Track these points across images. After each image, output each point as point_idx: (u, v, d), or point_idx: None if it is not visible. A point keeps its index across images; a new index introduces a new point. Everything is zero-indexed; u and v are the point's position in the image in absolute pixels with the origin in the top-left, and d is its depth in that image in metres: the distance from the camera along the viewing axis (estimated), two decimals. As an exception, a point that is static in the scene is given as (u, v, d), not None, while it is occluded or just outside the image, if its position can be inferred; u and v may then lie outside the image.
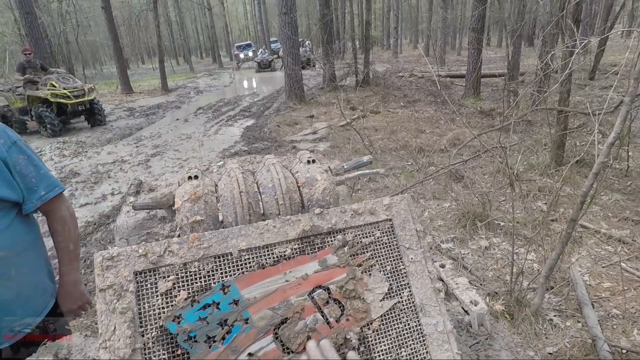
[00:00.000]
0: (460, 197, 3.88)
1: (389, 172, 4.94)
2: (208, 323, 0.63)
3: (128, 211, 1.75)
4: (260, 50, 23.18)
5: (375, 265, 0.74)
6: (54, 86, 8.25)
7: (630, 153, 4.37)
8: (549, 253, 2.70)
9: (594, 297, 2.62)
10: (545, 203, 3.83)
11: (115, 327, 0.61)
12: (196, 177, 0.90)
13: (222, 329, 0.63)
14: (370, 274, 0.73)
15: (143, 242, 1.72)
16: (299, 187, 0.90)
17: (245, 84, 17.58)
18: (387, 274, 0.75)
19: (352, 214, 0.77)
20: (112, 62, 39.89)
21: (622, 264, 2.82)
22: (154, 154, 6.58)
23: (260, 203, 0.87)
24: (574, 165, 4.50)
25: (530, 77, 8.89)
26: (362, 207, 0.78)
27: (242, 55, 25.54)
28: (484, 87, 10.21)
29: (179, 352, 0.62)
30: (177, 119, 9.65)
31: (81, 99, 8.53)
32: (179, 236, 0.83)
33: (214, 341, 0.61)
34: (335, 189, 0.91)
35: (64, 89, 8.30)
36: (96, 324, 1.86)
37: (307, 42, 17.52)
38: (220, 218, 0.85)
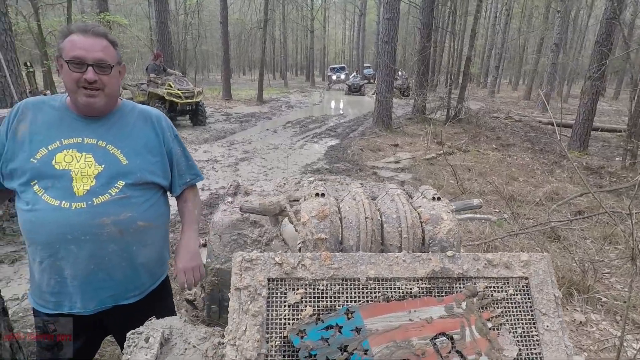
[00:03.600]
0: (555, 259, 3.48)
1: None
2: (329, 345, 0.63)
3: (225, 209, 1.87)
4: (352, 74, 23.83)
5: (505, 325, 0.68)
6: (170, 86, 9.38)
7: None
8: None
9: None
10: (665, 286, 3.26)
11: (246, 328, 0.64)
12: (323, 194, 0.92)
13: (342, 354, 0.63)
14: (499, 333, 0.67)
15: (233, 240, 1.81)
16: (421, 222, 0.87)
17: (334, 104, 18.13)
18: (517, 337, 0.68)
19: (485, 264, 0.73)
20: (218, 70, 44.19)
21: None
22: (243, 158, 7.04)
23: (381, 232, 0.86)
24: None
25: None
26: (497, 258, 0.73)
27: (334, 77, 26.49)
28: (593, 142, 9.21)
29: (298, 366, 0.63)
30: (267, 129, 10.26)
31: (190, 100, 9.55)
32: (299, 250, 0.86)
33: (332, 364, 0.61)
34: (460, 232, 0.87)
35: (178, 89, 9.39)
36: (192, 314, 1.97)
37: (401, 72, 17.59)
38: (340, 239, 0.86)
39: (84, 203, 1.14)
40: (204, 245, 2.42)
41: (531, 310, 0.70)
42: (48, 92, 10.42)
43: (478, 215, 1.32)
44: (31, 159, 1.14)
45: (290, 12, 27.89)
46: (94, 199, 1.15)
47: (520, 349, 0.67)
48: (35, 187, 1.13)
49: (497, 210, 4.91)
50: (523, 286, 0.72)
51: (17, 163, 1.15)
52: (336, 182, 2.28)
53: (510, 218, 4.46)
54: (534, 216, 4.62)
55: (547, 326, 0.68)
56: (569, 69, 22.34)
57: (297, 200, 1.69)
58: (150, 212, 1.28)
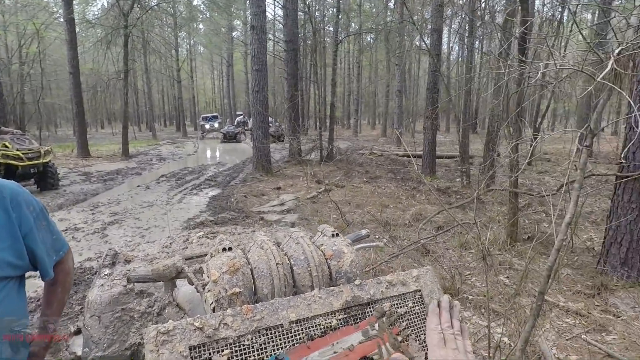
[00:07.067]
0: (429, 271, 3.99)
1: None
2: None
3: (102, 284, 1.65)
4: (227, 122, 23.93)
5: (411, 335, 0.79)
6: (6, 147, 7.87)
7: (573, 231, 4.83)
8: (517, 326, 2.81)
9: (564, 371, 2.69)
10: (507, 277, 4.04)
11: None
12: (230, 248, 0.93)
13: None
14: (408, 344, 0.77)
15: (116, 319, 1.61)
16: (326, 259, 0.95)
17: (210, 153, 17.73)
18: (422, 343, 0.79)
19: (387, 285, 0.84)
20: (67, 124, 38.90)
21: (583, 336, 2.98)
22: (111, 222, 6.24)
23: (292, 275, 0.91)
24: (527, 242, 4.87)
25: (479, 161, 9.86)
26: (395, 278, 0.85)
27: (207, 126, 26.13)
28: (438, 167, 11.07)
29: None
30: (138, 186, 9.37)
31: (35, 162, 8.14)
32: (213, 310, 0.83)
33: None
34: (360, 261, 0.97)
35: (18, 150, 7.94)
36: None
37: (271, 119, 18.47)
38: (253, 290, 0.87)
39: None
40: (77, 332, 2.05)
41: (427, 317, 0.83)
42: None
43: (368, 244, 1.48)
44: None
45: (153, 62, 26.87)
46: None
47: (426, 352, 0.77)
48: None
49: (377, 237, 5.42)
50: (418, 298, 0.85)
51: None
52: (227, 232, 2.24)
53: (389, 241, 4.98)
54: (407, 237, 5.25)
55: (441, 328, 0.82)
56: (411, 110, 26.84)
57: (193, 258, 1.60)
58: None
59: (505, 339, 2.93)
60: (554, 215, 2.20)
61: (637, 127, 3.07)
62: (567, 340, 2.97)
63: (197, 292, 1.13)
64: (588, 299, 3.51)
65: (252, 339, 0.69)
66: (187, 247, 1.97)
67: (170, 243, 2.05)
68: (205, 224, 6.08)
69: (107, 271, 1.68)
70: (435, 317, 0.77)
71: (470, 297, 3.62)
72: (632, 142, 3.39)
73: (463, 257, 4.58)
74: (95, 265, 4.44)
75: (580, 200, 2.36)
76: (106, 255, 1.80)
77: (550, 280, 2.30)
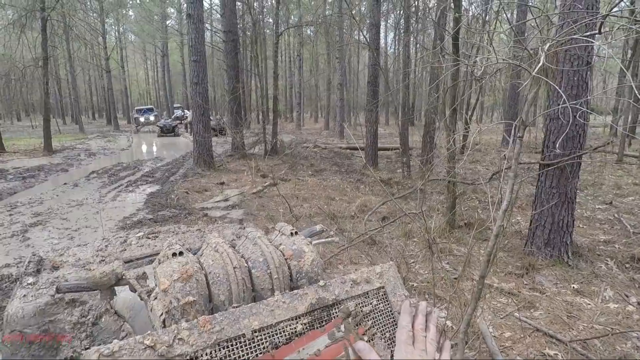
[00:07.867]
0: (376, 261, 4.11)
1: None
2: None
3: (25, 295, 1.47)
4: (164, 115, 22.61)
5: (376, 334, 0.77)
6: None
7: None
8: (458, 310, 2.98)
9: (499, 347, 2.92)
10: (447, 263, 4.29)
11: None
12: (181, 253, 0.84)
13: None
14: (374, 343, 0.76)
15: (43, 333, 1.43)
16: (286, 259, 0.90)
17: (146, 148, 16.62)
18: (387, 341, 0.78)
19: (351, 284, 0.81)
20: (-27, 117, 34.12)
21: (516, 314, 3.25)
22: (33, 223, 5.59)
23: (250, 278, 0.85)
24: (464, 228, 5.21)
25: (417, 152, 10.34)
26: (359, 276, 0.83)
27: (142, 119, 24.50)
28: (380, 159, 11.43)
29: None
30: (65, 184, 8.50)
31: None
32: (164, 323, 0.75)
33: None
34: (321, 260, 0.94)
35: None
36: None
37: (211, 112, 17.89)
38: (209, 297, 0.80)
39: None
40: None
41: (392, 314, 0.82)
42: None
43: (323, 240, 1.45)
44: None
45: (78, 49, 24.39)
46: None
47: (392, 350, 0.77)
48: None
49: (325, 230, 5.45)
50: (382, 294, 0.84)
51: None
52: (170, 232, 2.10)
53: (337, 234, 5.04)
54: (354, 228, 5.35)
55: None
56: (352, 103, 27.38)
57: (133, 261, 1.46)
58: None
59: (449, 322, 3.10)
60: (491, 202, 2.35)
61: (561, 118, 3.40)
62: (501, 318, 3.22)
63: (141, 299, 1.02)
64: (518, 279, 3.84)
65: (211, 353, 0.62)
66: (125, 250, 1.82)
67: (106, 245, 1.87)
68: (144, 223, 5.69)
69: (30, 279, 1.49)
70: (408, 315, 0.76)
71: (415, 284, 3.78)
72: (552, 132, 3.75)
73: (407, 245, 4.77)
74: (15, 272, 3.96)
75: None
76: (29, 261, 1.60)
77: (490, 264, 2.47)
